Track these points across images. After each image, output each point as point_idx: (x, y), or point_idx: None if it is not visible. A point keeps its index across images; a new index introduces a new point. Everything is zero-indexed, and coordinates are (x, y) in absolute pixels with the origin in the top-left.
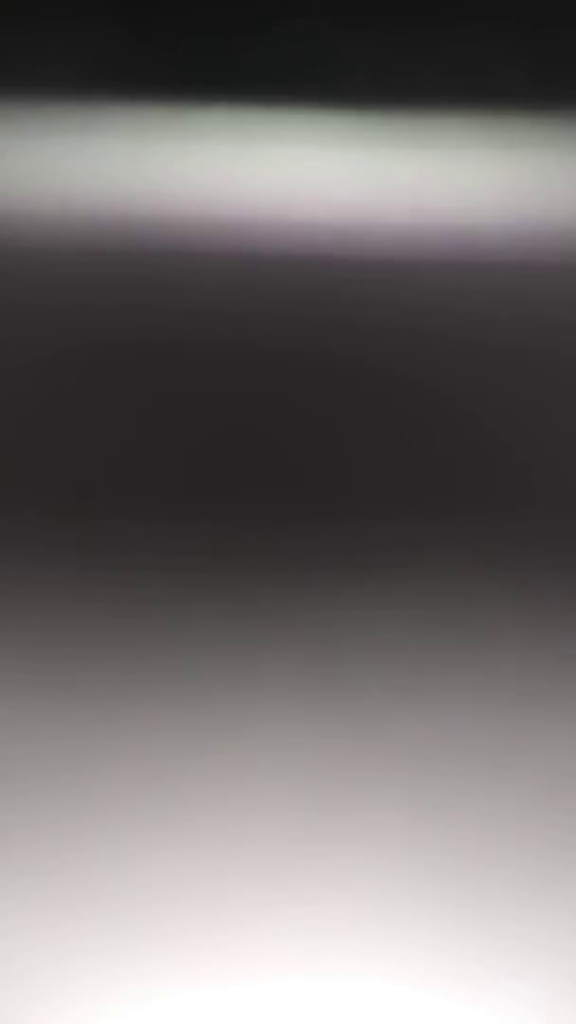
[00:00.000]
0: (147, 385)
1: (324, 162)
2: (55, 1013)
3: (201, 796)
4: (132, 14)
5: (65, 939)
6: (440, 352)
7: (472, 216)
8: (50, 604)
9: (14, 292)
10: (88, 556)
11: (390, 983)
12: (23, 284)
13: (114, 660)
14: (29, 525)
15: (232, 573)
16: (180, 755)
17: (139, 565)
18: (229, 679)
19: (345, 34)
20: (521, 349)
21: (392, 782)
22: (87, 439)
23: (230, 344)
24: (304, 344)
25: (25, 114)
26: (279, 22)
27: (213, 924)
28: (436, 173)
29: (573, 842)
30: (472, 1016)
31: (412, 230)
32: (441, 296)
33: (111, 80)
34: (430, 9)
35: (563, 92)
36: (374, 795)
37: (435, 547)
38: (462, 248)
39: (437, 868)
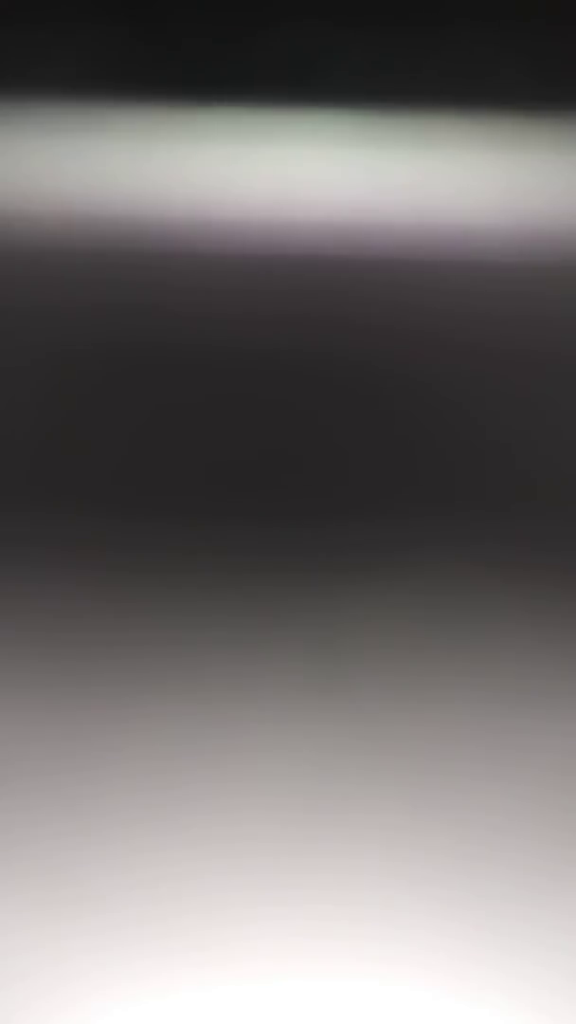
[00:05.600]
0: (147, 385)
1: (324, 162)
2: (55, 1013)
3: (201, 795)
4: (132, 14)
5: (65, 939)
6: (440, 352)
7: (472, 216)
8: (50, 604)
9: (14, 293)
10: (88, 556)
11: (390, 983)
12: (22, 285)
13: (114, 660)
14: (30, 525)
15: (232, 573)
16: (180, 755)
17: (139, 565)
18: (229, 679)
19: (345, 34)
20: (521, 349)
21: (392, 781)
22: (88, 439)
23: (229, 344)
24: (304, 344)
25: (25, 114)
26: (279, 22)
27: (213, 923)
28: (436, 173)
29: (573, 841)
30: (472, 1016)
31: (412, 230)
32: (441, 296)
33: (111, 80)
34: (430, 9)
35: (563, 92)
36: (374, 794)
37: (435, 547)
38: (462, 248)
39: (437, 867)
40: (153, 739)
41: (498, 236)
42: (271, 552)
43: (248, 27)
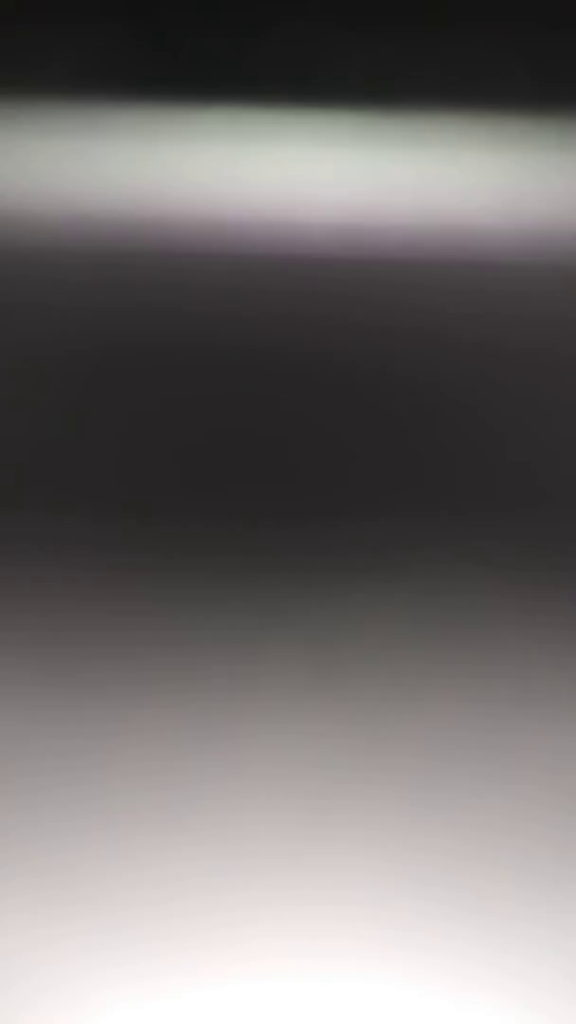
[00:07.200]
0: (147, 385)
1: (324, 162)
2: (55, 1013)
3: (201, 795)
4: (132, 14)
5: (65, 939)
6: (440, 352)
7: (472, 216)
8: (50, 604)
9: (14, 293)
10: (88, 556)
11: (390, 983)
12: (23, 285)
13: (114, 660)
14: (29, 525)
15: (232, 573)
16: (180, 755)
17: (139, 565)
18: (229, 679)
19: (345, 34)
20: (521, 349)
21: (392, 782)
22: (88, 439)
23: (230, 344)
24: (304, 344)
25: (25, 114)
26: (279, 23)
27: (213, 924)
28: (436, 173)
29: (573, 841)
30: (472, 1016)
31: (412, 230)
32: (441, 296)
33: (111, 80)
34: (430, 10)
35: (564, 93)
36: (374, 795)
37: (435, 547)
38: (462, 248)
39: (437, 868)
40: (153, 739)
41: (498, 236)
42: (271, 552)
43: (248, 27)
